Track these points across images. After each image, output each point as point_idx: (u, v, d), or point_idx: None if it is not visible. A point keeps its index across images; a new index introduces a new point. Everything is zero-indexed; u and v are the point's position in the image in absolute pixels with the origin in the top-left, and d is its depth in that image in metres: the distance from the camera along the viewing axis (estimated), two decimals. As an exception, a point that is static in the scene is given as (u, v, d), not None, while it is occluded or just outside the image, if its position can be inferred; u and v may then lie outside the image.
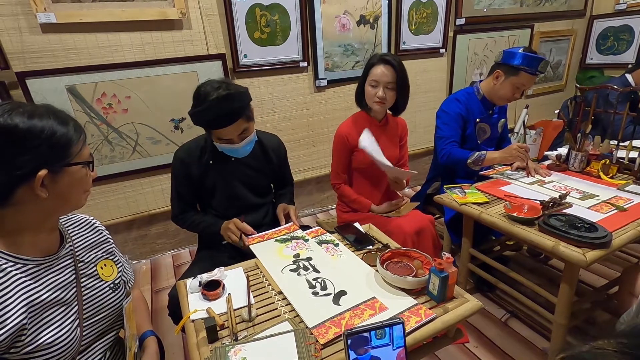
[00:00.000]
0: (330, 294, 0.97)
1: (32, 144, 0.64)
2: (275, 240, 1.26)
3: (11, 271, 0.67)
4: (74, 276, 0.78)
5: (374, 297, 0.94)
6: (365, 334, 0.70)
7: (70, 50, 1.82)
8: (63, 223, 0.85)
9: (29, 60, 1.76)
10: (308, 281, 1.03)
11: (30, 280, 0.69)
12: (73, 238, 0.84)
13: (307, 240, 1.25)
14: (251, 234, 1.29)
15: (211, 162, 1.32)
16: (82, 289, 0.79)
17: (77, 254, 0.82)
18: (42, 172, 0.64)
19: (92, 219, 0.92)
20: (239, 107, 1.17)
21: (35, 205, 0.68)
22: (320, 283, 1.02)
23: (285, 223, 1.37)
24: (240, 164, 1.35)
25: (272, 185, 1.54)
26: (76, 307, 0.76)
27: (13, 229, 0.69)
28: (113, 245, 0.93)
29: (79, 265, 0.80)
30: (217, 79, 1.20)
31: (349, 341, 0.69)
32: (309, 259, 1.14)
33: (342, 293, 0.97)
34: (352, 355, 0.69)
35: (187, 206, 1.39)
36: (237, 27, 2.13)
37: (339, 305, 0.93)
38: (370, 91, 1.49)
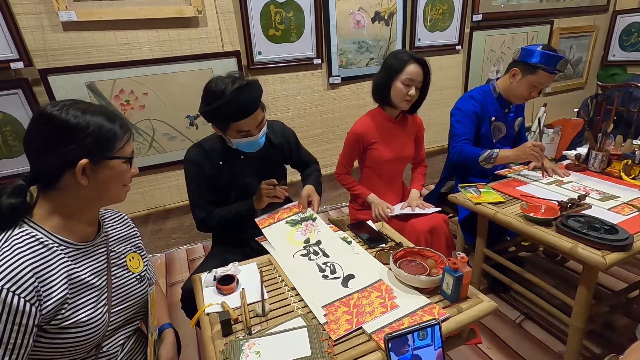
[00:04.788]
0: (339, 277, 1.03)
1: (79, 136, 0.71)
2: (286, 222, 1.30)
3: (56, 250, 0.73)
4: (105, 264, 0.83)
5: (380, 280, 0.99)
6: (407, 336, 0.72)
7: (90, 47, 1.86)
8: (100, 215, 0.90)
9: (51, 58, 1.81)
10: (318, 265, 1.09)
11: (70, 260, 0.75)
12: (107, 229, 0.89)
13: (315, 220, 1.30)
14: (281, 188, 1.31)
15: (221, 162, 1.32)
16: (112, 277, 0.84)
17: (110, 244, 0.87)
18: (83, 161, 0.71)
19: (124, 215, 0.97)
20: (257, 96, 1.19)
21: (78, 192, 0.74)
22: (330, 267, 1.08)
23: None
24: (250, 159, 1.35)
25: (284, 172, 1.53)
26: (106, 293, 0.81)
27: (60, 212, 0.75)
28: (140, 240, 0.97)
29: (110, 254, 0.85)
30: (223, 75, 1.19)
31: (390, 344, 0.71)
32: (318, 242, 1.20)
33: (351, 276, 1.03)
34: (394, 357, 0.71)
35: (211, 206, 1.35)
36: (252, 25, 2.14)
37: (347, 287, 0.98)
38: (402, 89, 1.46)
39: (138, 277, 0.90)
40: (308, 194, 1.39)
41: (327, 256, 1.13)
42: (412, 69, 1.45)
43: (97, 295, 0.78)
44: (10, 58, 1.70)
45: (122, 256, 0.89)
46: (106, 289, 0.81)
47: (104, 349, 0.81)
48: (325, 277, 1.03)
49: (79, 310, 0.73)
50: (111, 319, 0.81)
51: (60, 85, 1.84)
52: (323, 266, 1.08)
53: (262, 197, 1.28)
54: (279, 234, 1.25)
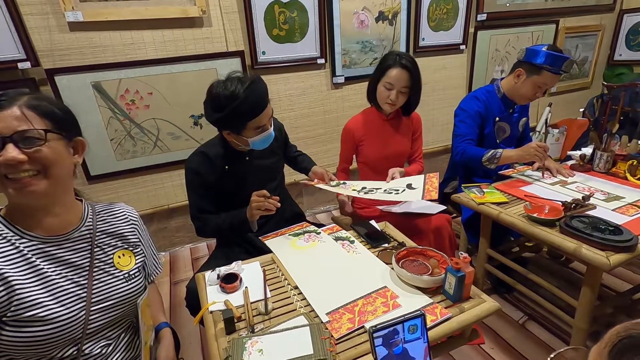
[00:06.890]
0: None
1: None
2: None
3: (15, 243, 0.71)
4: (88, 260, 0.79)
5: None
6: (396, 329, 0.71)
7: (96, 47, 1.88)
8: (98, 209, 0.87)
9: (57, 58, 1.83)
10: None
11: (31, 253, 0.72)
12: (98, 224, 0.84)
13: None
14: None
15: (227, 167, 1.30)
16: (94, 274, 0.79)
17: (96, 239, 0.82)
18: None
19: (129, 211, 0.93)
20: (266, 89, 1.20)
21: None
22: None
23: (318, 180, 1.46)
24: (254, 159, 1.35)
25: (283, 165, 1.55)
26: (85, 290, 0.77)
27: (5, 206, 0.74)
28: (139, 237, 0.91)
29: (95, 250, 0.81)
30: (221, 79, 1.18)
31: (378, 339, 0.69)
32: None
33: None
34: (382, 352, 0.70)
35: (206, 216, 1.34)
36: (256, 25, 2.14)
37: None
38: (384, 92, 1.50)
39: (126, 275, 0.84)
40: (324, 170, 1.47)
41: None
42: (393, 73, 1.45)
43: (74, 290, 0.75)
44: (17, 58, 1.72)
45: (110, 252, 0.84)
46: (85, 286, 0.76)
47: (86, 351, 0.76)
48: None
49: (40, 304, 0.70)
50: (92, 318, 0.76)
51: (66, 85, 1.86)
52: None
53: (253, 209, 1.21)
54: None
